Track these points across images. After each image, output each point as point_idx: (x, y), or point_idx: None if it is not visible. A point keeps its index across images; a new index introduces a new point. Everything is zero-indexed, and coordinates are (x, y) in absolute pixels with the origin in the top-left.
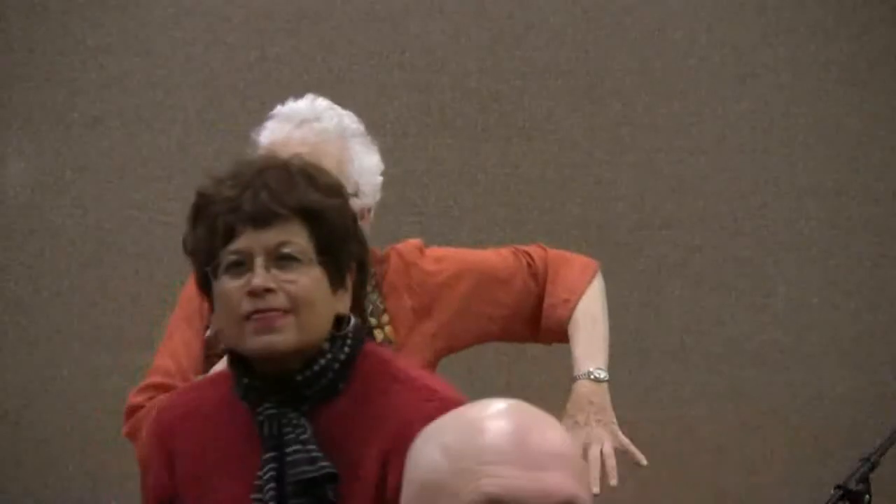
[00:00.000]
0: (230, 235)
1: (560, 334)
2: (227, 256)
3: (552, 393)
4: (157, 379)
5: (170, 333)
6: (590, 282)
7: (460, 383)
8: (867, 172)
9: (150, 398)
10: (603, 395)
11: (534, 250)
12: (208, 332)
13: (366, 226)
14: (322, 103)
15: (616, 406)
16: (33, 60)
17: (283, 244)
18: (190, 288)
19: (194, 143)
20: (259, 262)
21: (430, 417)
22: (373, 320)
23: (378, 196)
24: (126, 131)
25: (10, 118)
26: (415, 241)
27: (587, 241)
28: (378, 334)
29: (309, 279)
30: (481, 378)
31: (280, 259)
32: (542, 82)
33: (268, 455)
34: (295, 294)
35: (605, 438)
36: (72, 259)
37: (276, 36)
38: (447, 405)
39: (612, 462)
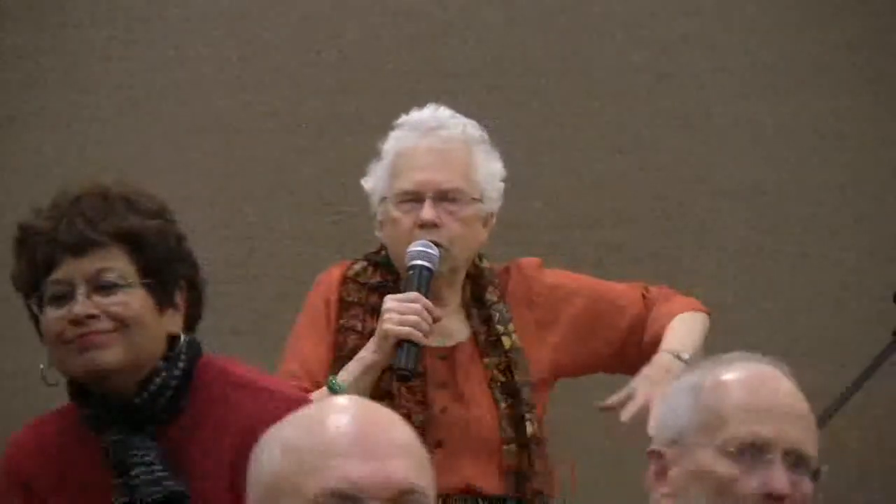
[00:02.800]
0: (50, 266)
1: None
2: (50, 287)
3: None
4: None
5: (295, 340)
6: (694, 311)
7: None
8: (785, 171)
9: None
10: (678, 373)
11: (653, 286)
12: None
13: (488, 231)
14: (445, 112)
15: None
16: None
17: (103, 271)
18: (312, 296)
19: (111, 143)
20: (81, 290)
21: (275, 418)
22: (500, 328)
23: (500, 202)
24: (42, 131)
25: None
26: (535, 259)
27: (505, 240)
28: (506, 341)
29: (133, 301)
30: None
31: (101, 285)
32: (460, 82)
33: (117, 481)
34: (120, 315)
35: None
36: None
37: (193, 35)
38: (289, 405)
39: None
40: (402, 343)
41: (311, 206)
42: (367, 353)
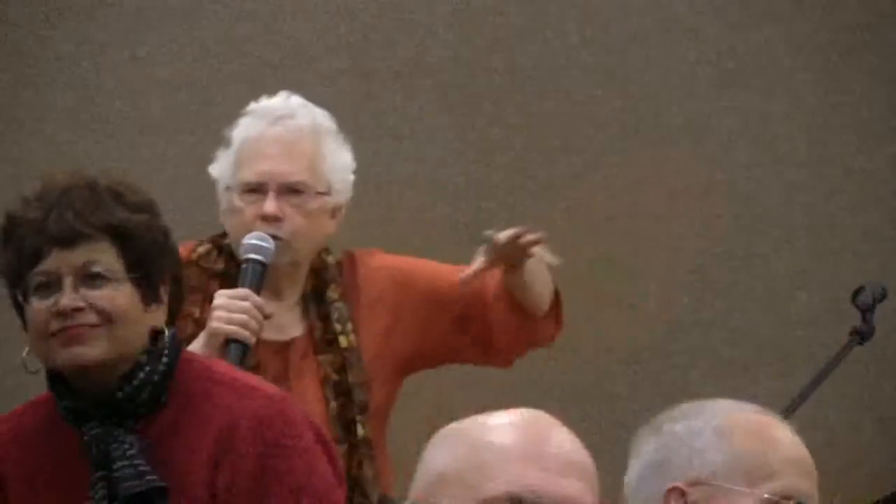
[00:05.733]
0: (38, 257)
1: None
2: (35, 278)
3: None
4: None
5: None
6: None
7: (466, 385)
8: (735, 171)
9: None
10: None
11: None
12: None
13: (336, 224)
14: (296, 101)
15: (483, 406)
16: None
17: (90, 263)
18: None
19: (65, 143)
20: (68, 282)
21: (255, 414)
22: (338, 326)
23: (349, 194)
24: None
25: None
26: (370, 249)
27: (457, 241)
28: (343, 340)
29: (119, 295)
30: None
31: (88, 278)
32: (413, 82)
33: (98, 474)
34: (106, 309)
35: None
36: None
37: (147, 35)
38: (271, 401)
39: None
40: (229, 342)
41: None
42: (198, 348)
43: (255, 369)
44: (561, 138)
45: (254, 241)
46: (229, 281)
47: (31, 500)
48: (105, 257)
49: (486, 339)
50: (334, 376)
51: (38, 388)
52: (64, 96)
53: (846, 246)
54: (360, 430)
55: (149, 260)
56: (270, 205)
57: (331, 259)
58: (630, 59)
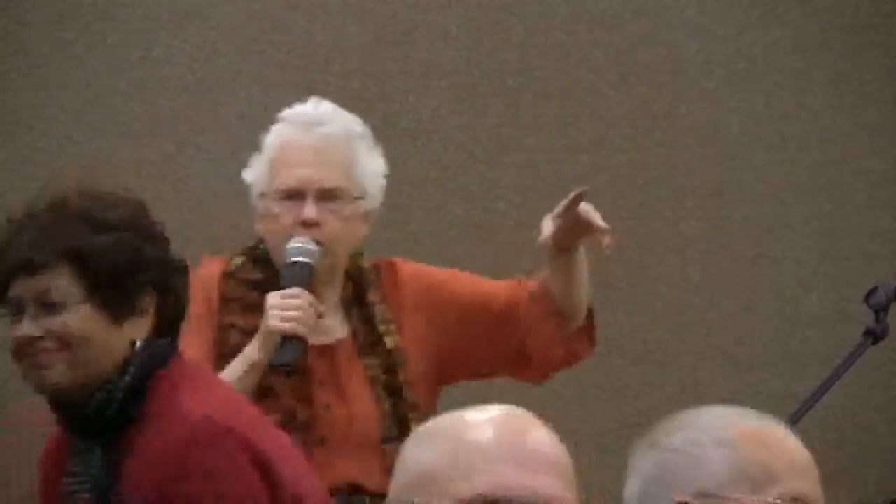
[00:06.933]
0: (6, 284)
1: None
2: (7, 304)
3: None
4: None
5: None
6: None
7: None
8: (746, 172)
9: None
10: None
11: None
12: None
13: (368, 228)
14: (327, 107)
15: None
16: None
17: (46, 292)
18: (193, 291)
19: (76, 143)
20: (29, 311)
21: (176, 447)
22: (382, 327)
23: (381, 198)
24: (4, 132)
25: None
26: (400, 259)
27: (469, 241)
28: (389, 341)
29: (76, 319)
30: None
31: (46, 306)
32: (425, 82)
33: (70, 470)
34: (63, 335)
35: None
36: None
37: (159, 35)
38: (188, 432)
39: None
40: (286, 339)
41: None
42: (252, 351)
43: (305, 373)
44: (571, 139)
45: (299, 245)
46: (268, 289)
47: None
48: (61, 282)
49: (521, 348)
50: (382, 377)
51: None
52: (75, 96)
53: (856, 246)
54: (413, 428)
55: (116, 278)
56: (310, 210)
57: (365, 263)
58: (640, 60)
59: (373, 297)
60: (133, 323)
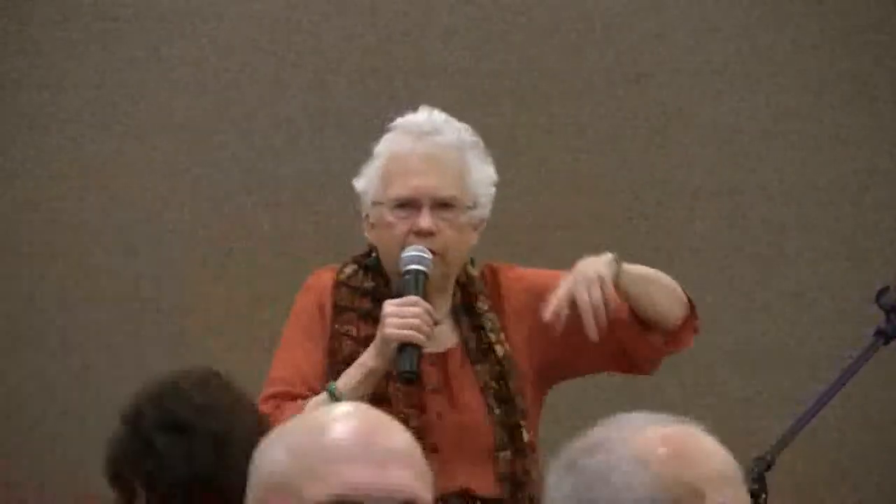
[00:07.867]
0: None
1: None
2: None
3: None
4: (278, 388)
5: (286, 345)
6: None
7: None
8: (762, 172)
9: (277, 407)
10: (606, 261)
11: None
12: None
13: (477, 236)
14: (440, 116)
15: None
16: None
17: None
18: (302, 301)
19: (87, 143)
20: None
21: None
22: (492, 336)
23: (491, 206)
24: (14, 132)
25: None
26: (503, 264)
27: (483, 242)
28: (499, 349)
29: None
30: None
31: None
32: (437, 82)
33: None
34: None
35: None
36: None
37: (170, 35)
38: None
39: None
40: (403, 347)
41: (289, 206)
42: (368, 359)
43: (418, 380)
44: (584, 138)
45: (415, 253)
46: (380, 297)
47: None
48: None
49: (622, 349)
50: (494, 385)
51: (61, 392)
52: (86, 97)
53: (871, 246)
54: (524, 436)
55: None
56: (426, 220)
57: (474, 271)
58: (655, 59)
59: (482, 305)
60: None
